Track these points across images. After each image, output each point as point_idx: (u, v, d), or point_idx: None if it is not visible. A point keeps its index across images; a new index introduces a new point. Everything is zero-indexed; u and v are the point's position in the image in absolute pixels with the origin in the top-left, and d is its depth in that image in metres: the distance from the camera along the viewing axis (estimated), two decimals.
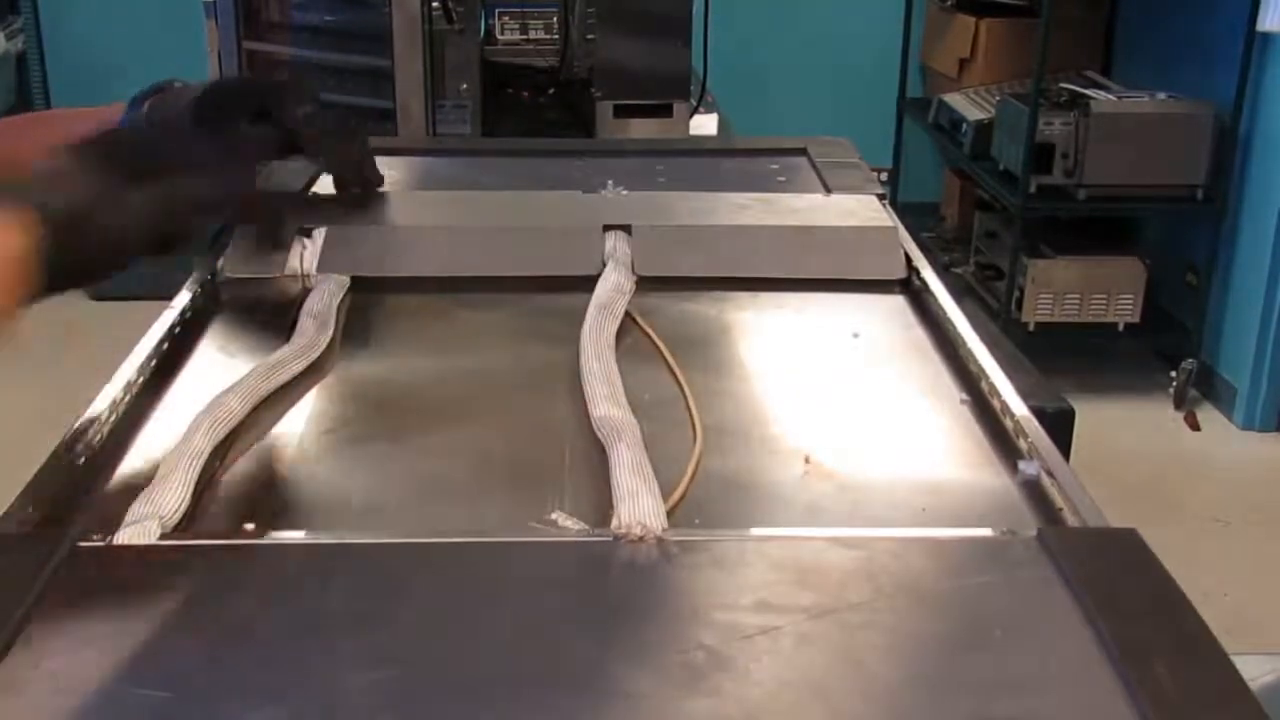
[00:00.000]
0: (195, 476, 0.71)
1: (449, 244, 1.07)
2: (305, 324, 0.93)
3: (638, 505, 0.67)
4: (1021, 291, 3.42)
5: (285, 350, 0.88)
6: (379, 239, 1.07)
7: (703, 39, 2.19)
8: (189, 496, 0.70)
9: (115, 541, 0.64)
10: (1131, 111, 3.29)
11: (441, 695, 0.54)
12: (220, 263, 1.05)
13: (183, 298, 0.98)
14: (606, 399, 0.81)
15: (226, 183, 0.86)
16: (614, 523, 0.66)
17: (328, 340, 0.92)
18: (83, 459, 0.75)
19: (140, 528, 0.65)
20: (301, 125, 1.00)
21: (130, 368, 0.85)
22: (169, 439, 0.75)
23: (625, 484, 0.69)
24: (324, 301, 0.97)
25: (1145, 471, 3.07)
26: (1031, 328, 3.43)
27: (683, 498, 0.72)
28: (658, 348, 0.93)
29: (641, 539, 0.65)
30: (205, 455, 0.74)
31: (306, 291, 1.00)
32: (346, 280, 1.02)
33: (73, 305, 3.88)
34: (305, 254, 1.05)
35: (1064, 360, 3.27)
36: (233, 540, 0.67)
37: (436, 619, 0.59)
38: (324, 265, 1.04)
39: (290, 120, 0.99)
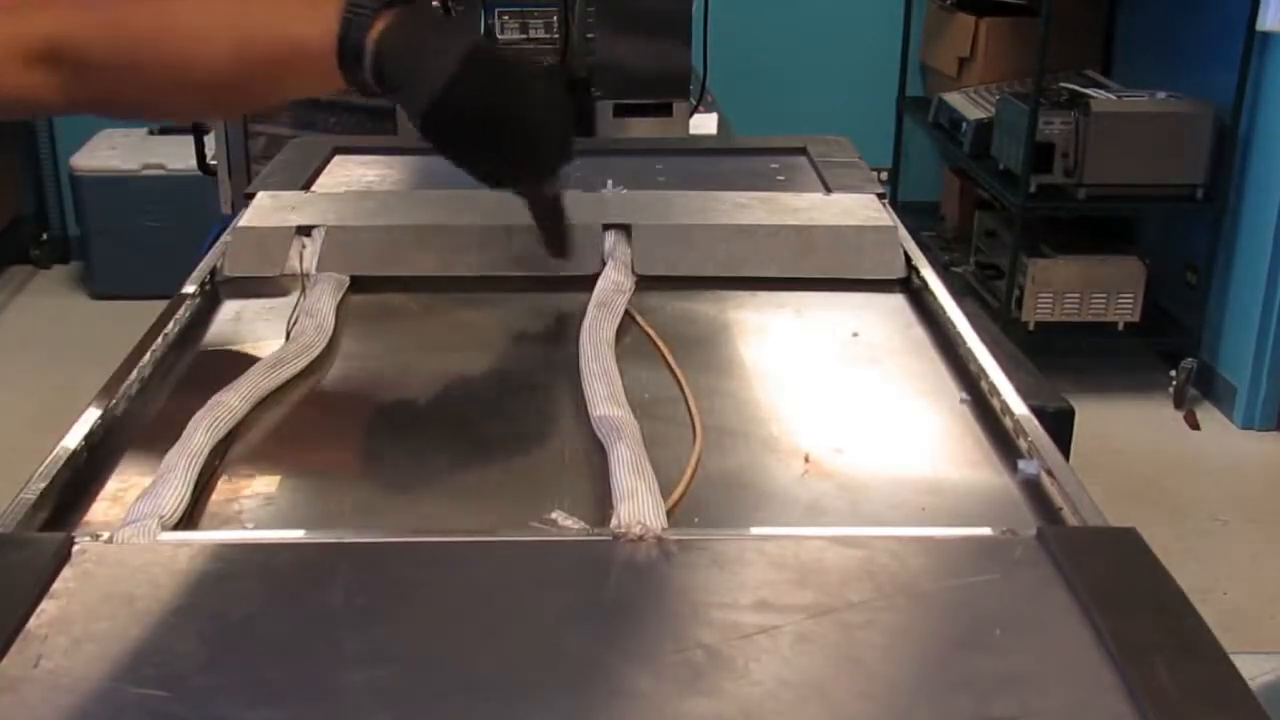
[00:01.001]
0: (195, 476, 0.71)
1: (449, 244, 1.07)
2: (304, 324, 0.93)
3: (637, 504, 0.67)
4: (1021, 291, 3.42)
5: (284, 349, 0.88)
6: (378, 239, 1.07)
7: (702, 38, 2.19)
8: (189, 495, 0.70)
9: (115, 541, 0.64)
10: (1131, 111, 3.29)
11: (441, 694, 0.54)
12: (220, 262, 1.05)
13: (183, 297, 0.98)
14: (606, 398, 0.81)
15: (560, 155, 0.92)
16: (614, 522, 0.66)
17: (326, 340, 0.92)
18: (83, 458, 0.75)
19: (140, 526, 0.65)
20: (539, 209, 0.96)
21: (130, 367, 0.85)
22: (169, 438, 0.75)
23: (625, 483, 0.69)
24: (323, 301, 0.97)
25: (1145, 471, 3.07)
26: (1031, 327, 3.43)
27: (682, 497, 0.72)
28: (657, 347, 0.93)
29: (641, 538, 0.65)
30: (205, 454, 0.74)
31: (306, 291, 1.00)
32: (346, 280, 1.02)
33: (73, 305, 3.88)
34: (305, 253, 1.05)
35: (1064, 359, 3.27)
36: (233, 539, 0.67)
37: (436, 618, 0.59)
38: (324, 265, 1.04)
39: (534, 198, 0.96)
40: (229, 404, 0.79)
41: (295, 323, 0.94)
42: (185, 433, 0.75)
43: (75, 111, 0.87)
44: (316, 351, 0.90)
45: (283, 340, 0.91)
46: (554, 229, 0.98)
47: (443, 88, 0.84)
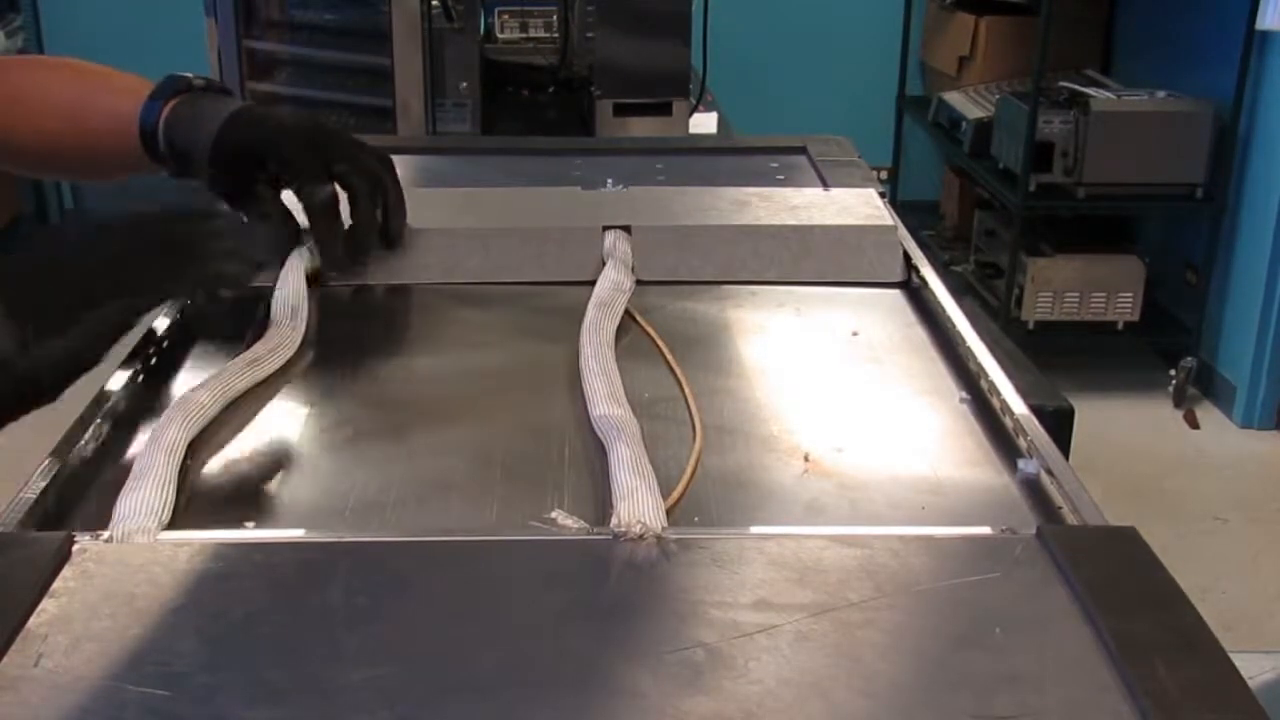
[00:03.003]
0: (174, 473, 0.71)
1: (444, 249, 1.06)
2: (277, 312, 0.92)
3: (637, 504, 0.67)
4: (1021, 290, 3.42)
5: (258, 347, 0.87)
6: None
7: (702, 37, 2.19)
8: (173, 493, 0.69)
9: (115, 540, 0.64)
10: (1131, 110, 3.30)
11: (441, 693, 0.54)
12: None
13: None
14: (606, 397, 0.81)
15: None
16: (613, 521, 0.66)
17: (304, 326, 0.91)
18: (81, 458, 0.75)
19: (139, 525, 0.65)
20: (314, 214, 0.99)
21: (128, 367, 0.85)
22: None
23: (625, 482, 0.69)
24: (291, 288, 0.95)
25: (1144, 469, 3.07)
26: (1031, 326, 3.43)
27: (682, 496, 0.72)
28: (657, 346, 0.93)
29: (641, 537, 0.65)
30: (180, 450, 0.73)
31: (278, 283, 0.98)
32: (306, 251, 1.00)
33: None
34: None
35: (1063, 358, 3.27)
36: (232, 538, 0.67)
37: (436, 617, 0.59)
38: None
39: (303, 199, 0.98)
40: (199, 400, 0.78)
41: (271, 313, 0.93)
42: (156, 429, 0.74)
43: None
44: (295, 346, 0.89)
45: (271, 336, 0.90)
46: (327, 231, 1.00)
47: (211, 149, 0.96)
